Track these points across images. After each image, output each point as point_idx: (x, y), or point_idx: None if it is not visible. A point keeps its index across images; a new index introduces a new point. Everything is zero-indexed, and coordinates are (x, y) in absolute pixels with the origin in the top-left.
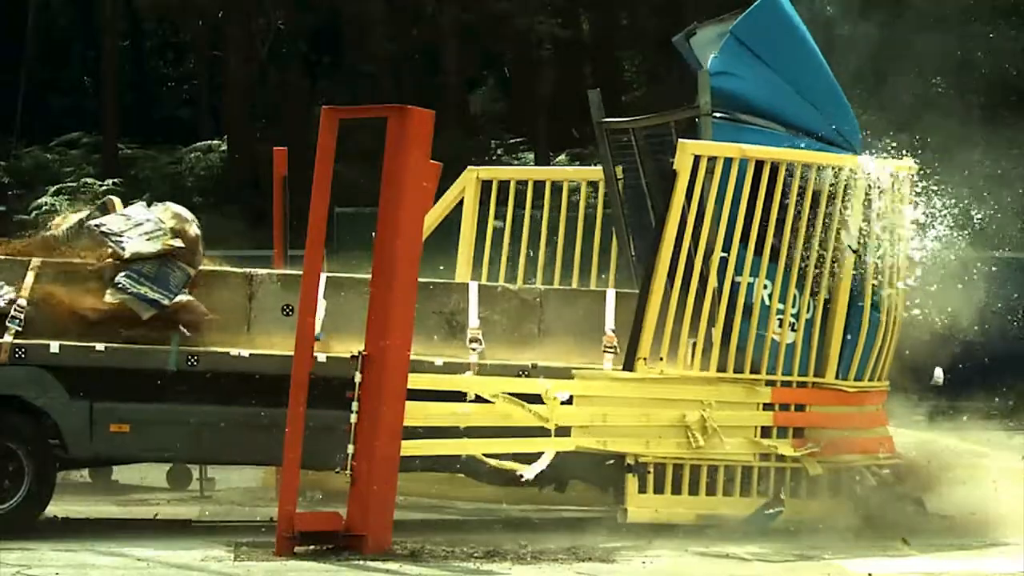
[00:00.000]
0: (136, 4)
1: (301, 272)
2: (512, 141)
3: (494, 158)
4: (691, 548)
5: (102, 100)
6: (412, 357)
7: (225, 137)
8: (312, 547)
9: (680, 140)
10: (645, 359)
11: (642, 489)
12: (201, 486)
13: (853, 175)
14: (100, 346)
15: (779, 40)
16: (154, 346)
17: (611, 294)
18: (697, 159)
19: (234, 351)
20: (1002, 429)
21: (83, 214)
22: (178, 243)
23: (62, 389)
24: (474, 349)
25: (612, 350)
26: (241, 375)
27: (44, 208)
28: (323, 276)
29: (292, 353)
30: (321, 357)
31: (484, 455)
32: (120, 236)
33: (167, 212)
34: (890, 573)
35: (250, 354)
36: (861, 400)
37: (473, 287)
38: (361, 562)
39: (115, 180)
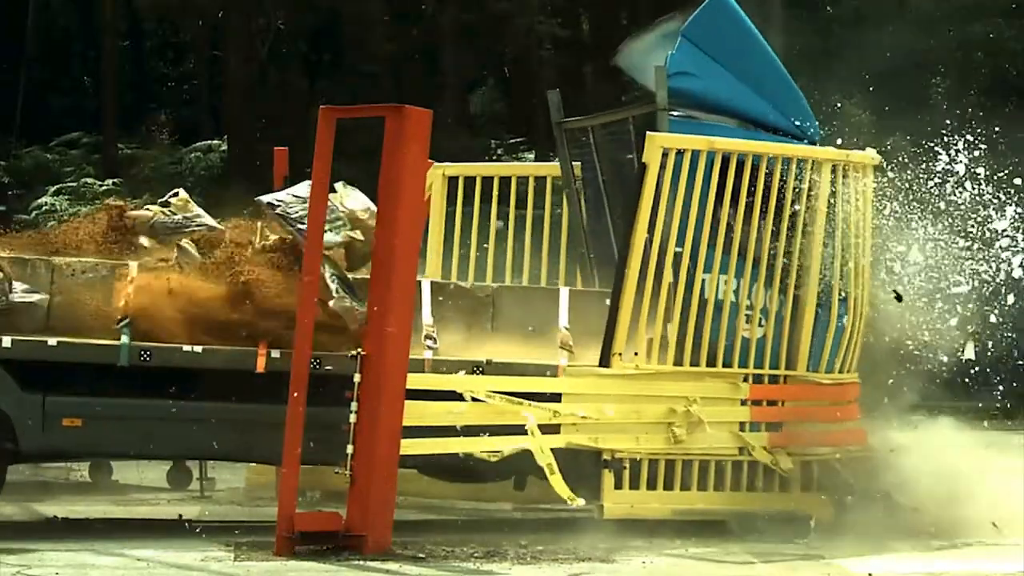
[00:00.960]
0: (136, 4)
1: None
2: (512, 141)
3: (494, 158)
4: (691, 549)
5: (102, 100)
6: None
7: (225, 137)
8: (312, 547)
9: (648, 133)
10: (620, 354)
11: (618, 485)
12: (201, 486)
13: (819, 167)
14: (52, 341)
15: (730, 39)
16: (106, 341)
17: (564, 292)
18: (666, 152)
19: (186, 346)
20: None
21: (153, 210)
22: (358, 235)
23: (14, 383)
24: (429, 346)
25: (568, 347)
26: (193, 370)
27: (44, 208)
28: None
29: (239, 348)
30: (275, 353)
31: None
32: (303, 223)
33: (346, 195)
34: (890, 573)
35: (203, 349)
36: (835, 394)
37: (426, 284)
38: (361, 562)
39: (115, 180)
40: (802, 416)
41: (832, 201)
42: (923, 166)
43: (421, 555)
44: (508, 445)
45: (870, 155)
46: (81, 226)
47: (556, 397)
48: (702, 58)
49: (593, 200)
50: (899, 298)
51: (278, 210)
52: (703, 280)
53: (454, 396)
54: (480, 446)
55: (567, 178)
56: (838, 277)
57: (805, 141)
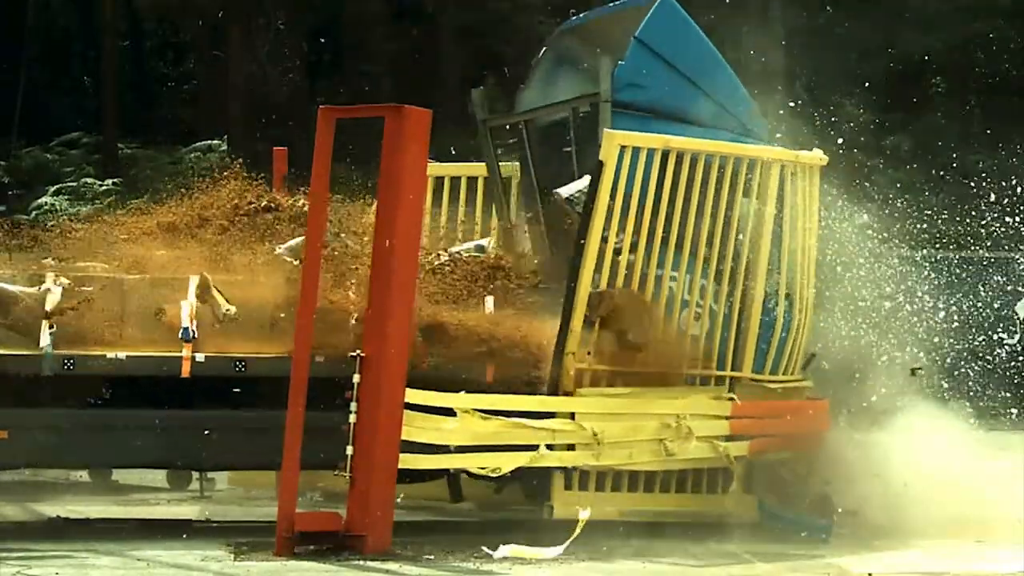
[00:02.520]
0: (136, 4)
1: (171, 277)
2: (512, 140)
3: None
4: (691, 548)
5: (102, 100)
6: (291, 355)
7: (225, 137)
8: (312, 547)
9: (606, 130)
10: (574, 354)
11: (567, 486)
12: (201, 486)
13: (768, 167)
14: None
15: (681, 40)
16: (29, 349)
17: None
18: (623, 149)
19: (110, 353)
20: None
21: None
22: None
23: None
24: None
25: None
26: (118, 378)
27: (44, 208)
28: (193, 279)
29: (166, 354)
30: (200, 357)
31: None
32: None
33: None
34: (890, 572)
35: (127, 356)
36: (799, 404)
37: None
38: (361, 562)
39: (115, 180)
40: (778, 428)
41: (780, 201)
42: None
43: (421, 555)
44: (516, 463)
45: (817, 155)
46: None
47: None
48: (655, 62)
49: (526, 197)
50: (914, 372)
51: (578, 207)
52: (656, 278)
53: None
54: (494, 462)
55: (493, 176)
56: (785, 277)
57: (753, 140)
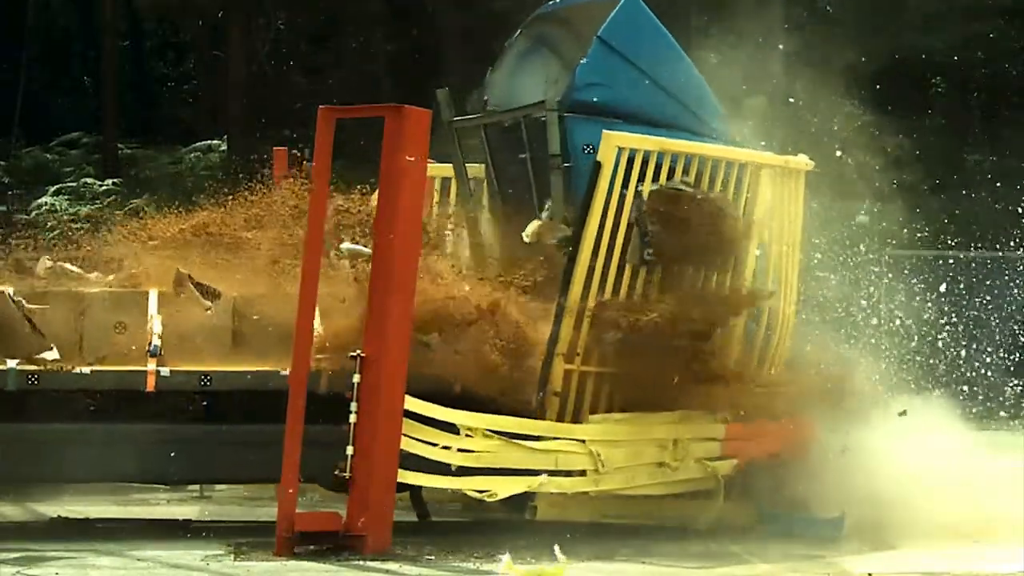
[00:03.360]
0: (136, 4)
1: (136, 291)
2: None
3: None
4: (691, 548)
5: (102, 100)
6: (255, 369)
7: (225, 137)
8: (312, 547)
9: (605, 132)
10: (563, 355)
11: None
12: (201, 486)
13: (758, 171)
14: None
15: (645, 40)
16: None
17: None
18: (620, 151)
19: (75, 368)
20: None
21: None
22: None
23: None
24: (324, 357)
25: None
26: (83, 392)
27: (44, 208)
28: (154, 292)
29: (128, 369)
30: (164, 372)
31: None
32: None
33: None
34: (890, 573)
35: (91, 371)
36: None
37: None
38: (361, 562)
39: (115, 180)
40: (766, 447)
41: (768, 207)
42: None
43: (421, 555)
44: (515, 489)
45: (803, 160)
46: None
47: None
48: (618, 62)
49: (489, 197)
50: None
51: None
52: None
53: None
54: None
55: (461, 178)
56: (769, 284)
57: (719, 141)
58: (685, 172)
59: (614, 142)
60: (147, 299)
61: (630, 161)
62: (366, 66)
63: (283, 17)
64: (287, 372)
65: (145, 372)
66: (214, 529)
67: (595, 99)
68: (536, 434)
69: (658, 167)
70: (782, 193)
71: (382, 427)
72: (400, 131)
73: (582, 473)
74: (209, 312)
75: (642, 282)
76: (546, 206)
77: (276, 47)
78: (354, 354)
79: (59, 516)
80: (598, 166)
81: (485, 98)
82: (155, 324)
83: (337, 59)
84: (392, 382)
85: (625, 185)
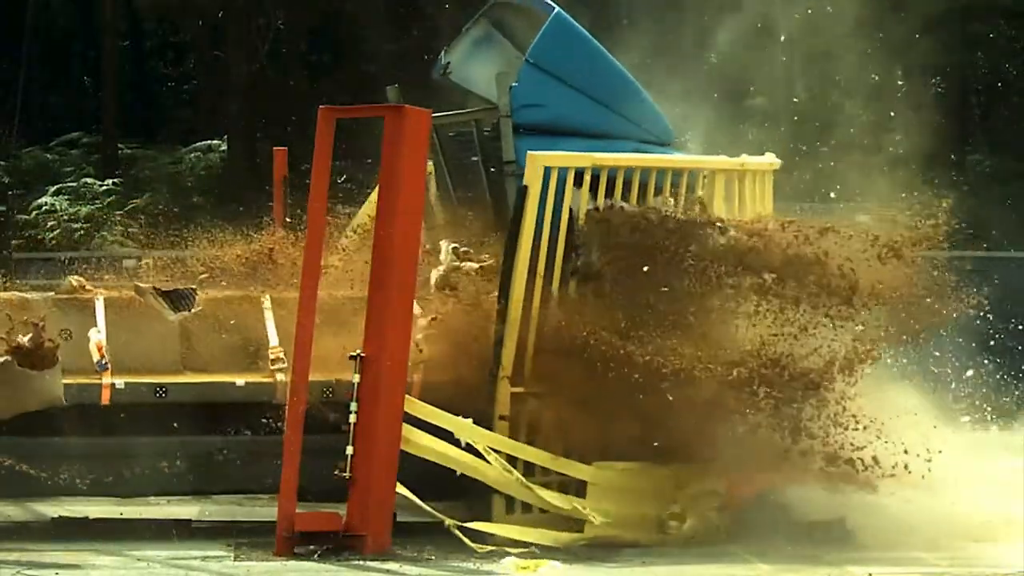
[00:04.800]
0: (136, 4)
1: (81, 296)
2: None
3: None
4: (693, 548)
5: (102, 100)
6: (211, 380)
7: (225, 137)
8: (312, 547)
9: (529, 152)
10: (508, 378)
11: (509, 510)
12: None
13: (712, 176)
14: None
15: (574, 57)
16: None
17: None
18: (548, 171)
19: None
20: None
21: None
22: None
23: None
24: (279, 368)
25: (281, 363)
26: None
27: (44, 208)
28: (100, 299)
29: (86, 381)
30: (119, 384)
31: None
32: None
33: None
34: (891, 573)
35: None
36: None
37: (267, 301)
38: (361, 562)
39: (115, 180)
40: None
41: (726, 210)
42: None
43: (421, 555)
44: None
45: (768, 160)
46: None
47: None
48: (550, 82)
49: (440, 201)
50: None
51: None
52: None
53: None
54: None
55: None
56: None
57: (661, 148)
58: (627, 184)
59: (539, 162)
60: (94, 306)
61: (563, 179)
62: (366, 66)
63: (283, 17)
64: (243, 383)
65: (100, 385)
66: (214, 529)
67: (533, 119)
68: (537, 463)
69: (596, 181)
70: (746, 196)
71: (382, 427)
72: (400, 131)
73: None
74: (179, 315)
75: (589, 302)
76: (447, 249)
77: (276, 47)
78: (354, 354)
79: (59, 516)
80: (525, 189)
81: (440, 72)
82: (101, 336)
83: (337, 59)
84: (392, 382)
85: (560, 203)
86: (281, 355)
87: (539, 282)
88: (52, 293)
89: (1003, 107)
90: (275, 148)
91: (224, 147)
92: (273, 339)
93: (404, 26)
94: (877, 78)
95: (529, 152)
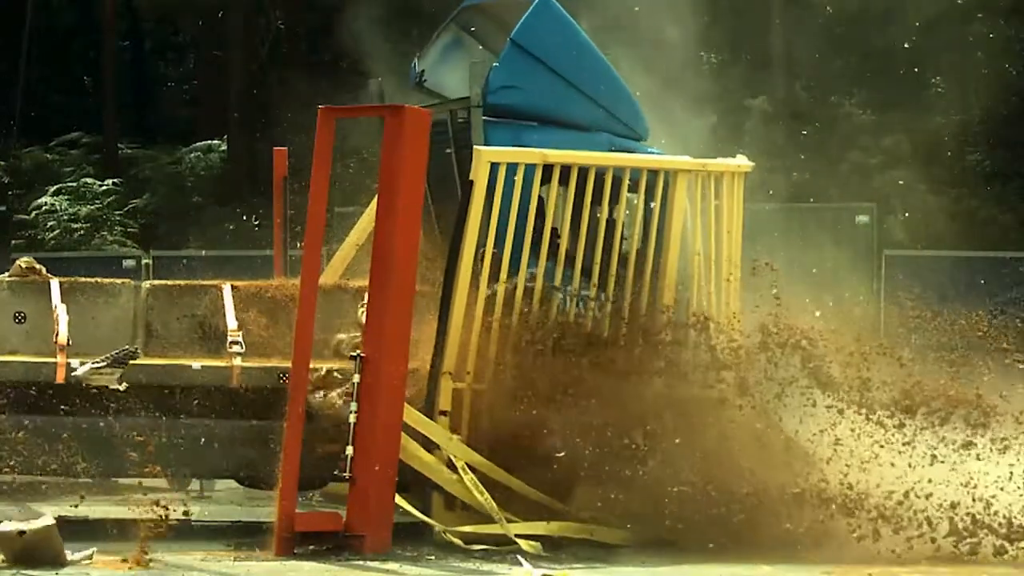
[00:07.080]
0: (136, 4)
1: (37, 279)
2: None
3: None
4: (693, 548)
5: (102, 100)
6: (167, 362)
7: (225, 137)
8: (312, 547)
9: (476, 148)
10: (451, 374)
11: (448, 507)
12: (201, 486)
13: (673, 177)
14: None
15: (559, 42)
16: None
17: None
18: (495, 167)
19: None
20: None
21: None
22: None
23: None
24: (236, 352)
25: (238, 346)
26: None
27: (44, 208)
28: (55, 282)
29: (40, 360)
30: (75, 364)
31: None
32: None
33: None
34: (890, 572)
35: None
36: None
37: (227, 289)
38: (361, 562)
39: (115, 180)
40: None
41: (689, 214)
42: None
43: (421, 555)
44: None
45: (739, 162)
46: None
47: None
48: (531, 64)
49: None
50: None
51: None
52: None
53: None
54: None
55: None
56: (695, 296)
57: (638, 144)
58: (582, 181)
59: (486, 158)
60: (49, 289)
61: (512, 174)
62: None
63: (283, 17)
64: (200, 366)
65: (55, 364)
66: (214, 529)
67: (509, 102)
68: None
69: (548, 178)
70: (712, 199)
71: (382, 427)
72: (399, 131)
73: None
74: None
75: (536, 301)
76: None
77: (276, 47)
78: (354, 354)
79: (59, 516)
80: (470, 185)
81: (415, 80)
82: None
83: (337, 59)
84: (392, 382)
85: (509, 198)
86: (239, 338)
87: (484, 276)
88: (4, 275)
89: None
90: (275, 148)
91: (224, 147)
92: (232, 322)
93: (404, 26)
94: None
95: (475, 148)
